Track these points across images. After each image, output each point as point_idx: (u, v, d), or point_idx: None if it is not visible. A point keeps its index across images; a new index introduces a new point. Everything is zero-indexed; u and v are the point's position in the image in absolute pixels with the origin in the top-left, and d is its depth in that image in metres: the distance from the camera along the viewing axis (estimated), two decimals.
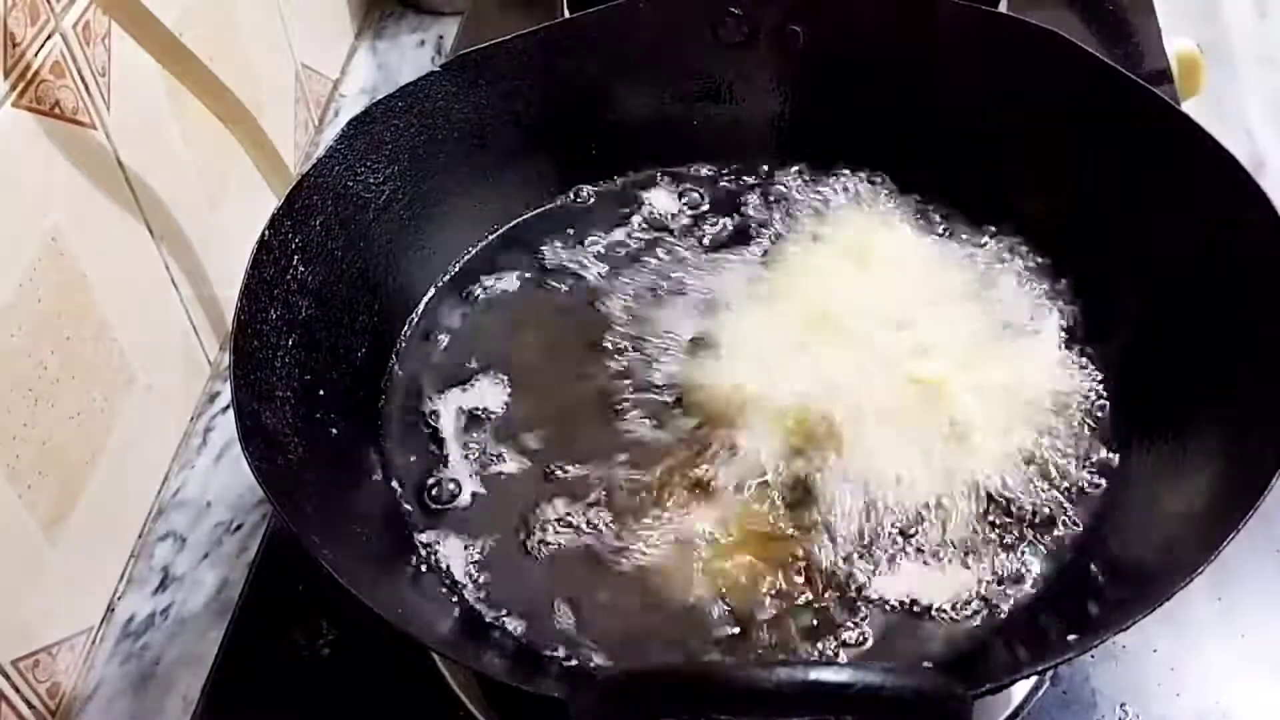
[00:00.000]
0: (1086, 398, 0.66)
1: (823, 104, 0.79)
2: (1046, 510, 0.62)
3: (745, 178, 0.80)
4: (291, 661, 0.68)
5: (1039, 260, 0.73)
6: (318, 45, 1.09)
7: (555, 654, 0.59)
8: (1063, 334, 0.69)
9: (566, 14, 0.95)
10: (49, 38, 0.69)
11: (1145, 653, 0.66)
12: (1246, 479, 0.53)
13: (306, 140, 1.05)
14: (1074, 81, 0.72)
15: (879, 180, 0.78)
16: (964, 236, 0.75)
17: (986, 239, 0.75)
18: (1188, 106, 0.94)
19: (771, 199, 0.78)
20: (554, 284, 0.75)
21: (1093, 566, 0.60)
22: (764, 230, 0.77)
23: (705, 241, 0.77)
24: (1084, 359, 0.68)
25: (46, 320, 0.69)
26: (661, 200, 0.79)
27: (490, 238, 0.78)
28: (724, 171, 0.80)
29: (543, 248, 0.77)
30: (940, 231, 0.76)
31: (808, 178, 0.79)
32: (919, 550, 0.61)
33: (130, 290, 0.77)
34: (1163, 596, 0.50)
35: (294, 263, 0.66)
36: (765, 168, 0.80)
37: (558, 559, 0.63)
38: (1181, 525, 0.57)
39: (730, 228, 0.77)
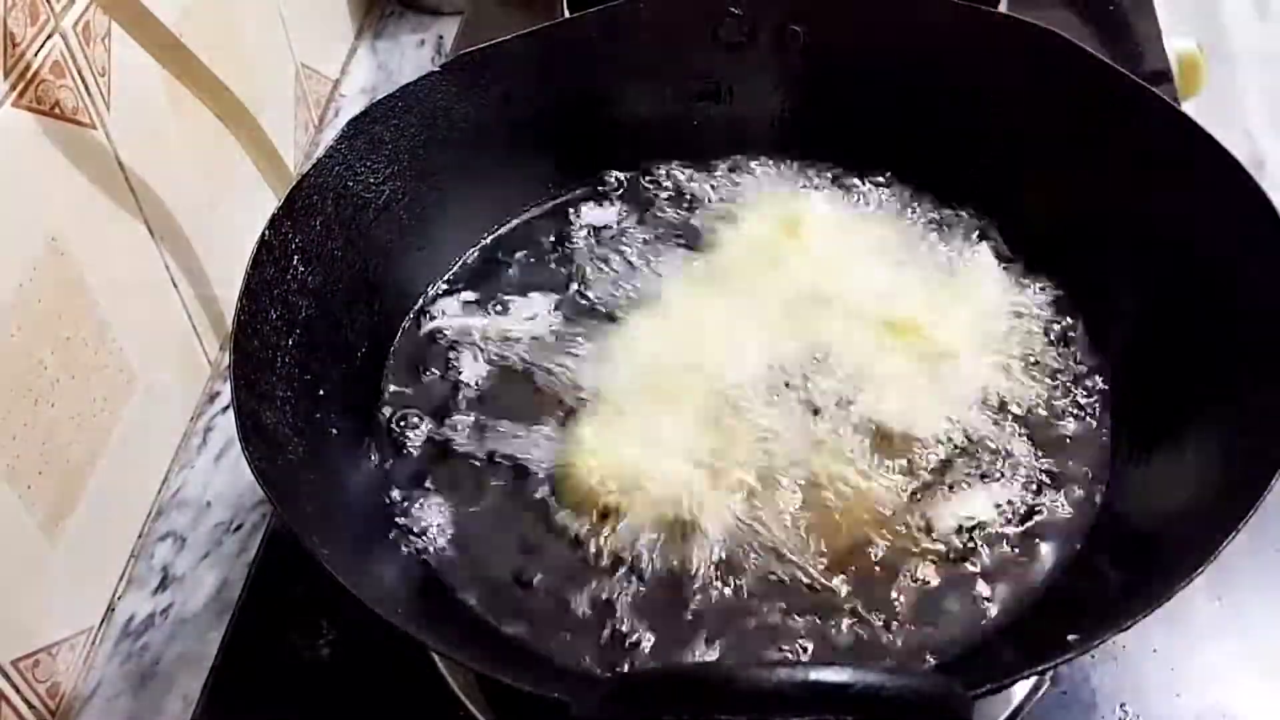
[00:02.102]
0: (1040, 304, 0.72)
1: (823, 104, 0.79)
2: (1054, 405, 0.67)
3: (741, 174, 0.80)
4: (291, 661, 0.68)
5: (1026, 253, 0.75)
6: (318, 45, 1.09)
7: (555, 654, 0.59)
8: (997, 257, 0.74)
9: (566, 14, 0.95)
10: (49, 38, 0.69)
11: (1145, 653, 0.66)
12: (1246, 479, 0.53)
13: (306, 140, 1.05)
14: (1074, 81, 0.72)
15: (878, 178, 0.79)
16: (932, 217, 0.77)
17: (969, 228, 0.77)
18: (1188, 106, 0.94)
19: (760, 193, 0.79)
20: (552, 279, 0.76)
21: (1092, 566, 0.60)
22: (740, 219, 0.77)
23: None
24: (1025, 274, 0.73)
25: (46, 320, 0.69)
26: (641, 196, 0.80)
27: (490, 237, 0.78)
28: (719, 170, 0.81)
29: (540, 245, 0.78)
30: (927, 225, 0.77)
31: (801, 174, 0.80)
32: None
33: (130, 290, 0.77)
34: (1163, 596, 0.50)
35: (294, 263, 0.66)
36: (760, 166, 0.80)
37: (559, 557, 0.63)
38: (1182, 525, 0.57)
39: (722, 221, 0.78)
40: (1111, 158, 0.71)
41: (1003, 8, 0.96)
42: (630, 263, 0.76)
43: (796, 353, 0.68)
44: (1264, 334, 0.60)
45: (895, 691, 0.44)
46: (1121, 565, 0.59)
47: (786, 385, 0.67)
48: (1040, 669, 0.57)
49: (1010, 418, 0.67)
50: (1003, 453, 0.65)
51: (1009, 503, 0.63)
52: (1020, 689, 0.64)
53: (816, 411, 0.66)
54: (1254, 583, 0.68)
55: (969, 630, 0.59)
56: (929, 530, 0.62)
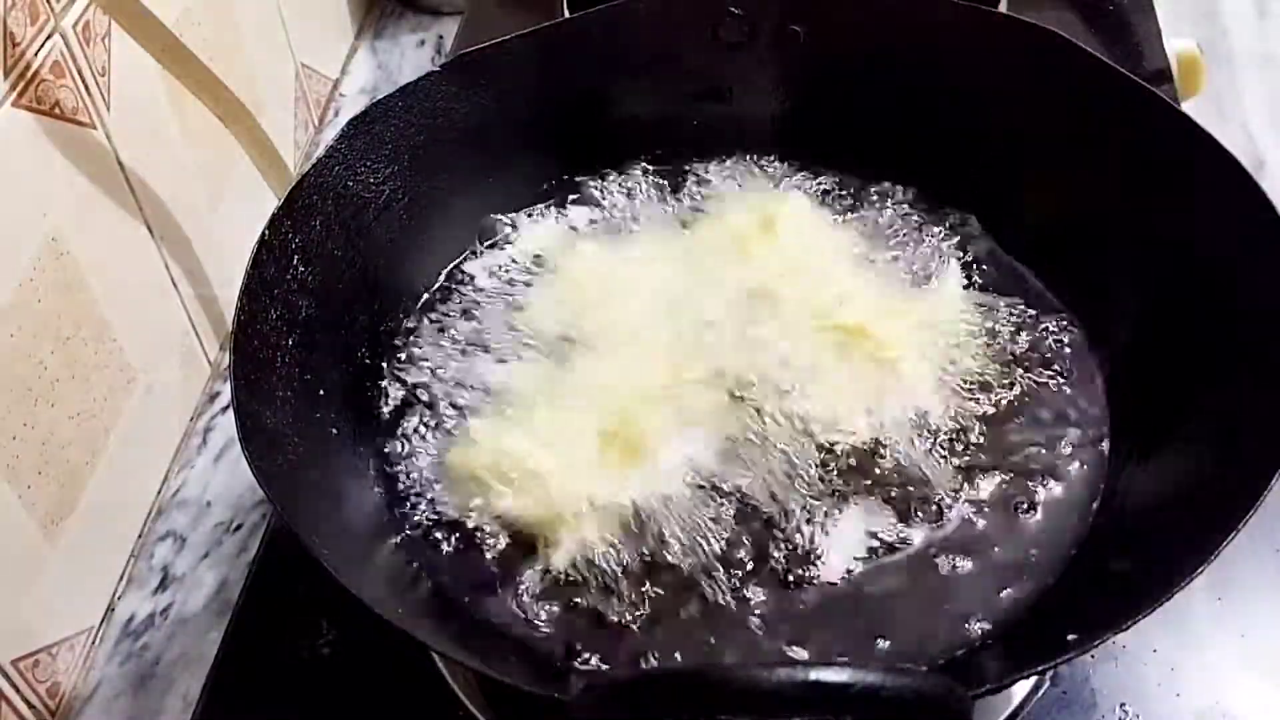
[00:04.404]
0: (995, 324, 0.71)
1: (822, 104, 0.79)
2: (1053, 404, 0.67)
3: (738, 173, 0.80)
4: (291, 661, 0.68)
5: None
6: (318, 45, 1.09)
7: (555, 654, 0.59)
8: (963, 277, 0.74)
9: (566, 14, 0.95)
10: (49, 38, 0.69)
11: (1145, 653, 0.66)
12: (1246, 479, 0.53)
13: (306, 140, 1.05)
14: (1074, 81, 0.72)
15: (876, 178, 0.79)
16: (920, 221, 0.77)
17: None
18: (1188, 106, 0.94)
19: (748, 190, 0.79)
20: (549, 278, 0.75)
21: (1092, 566, 0.60)
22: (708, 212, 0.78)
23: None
24: (987, 298, 0.72)
25: (46, 320, 0.69)
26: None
27: (489, 237, 0.78)
28: (718, 169, 0.81)
29: (538, 243, 0.77)
30: (911, 230, 0.77)
31: (797, 174, 0.80)
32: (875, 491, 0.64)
33: (130, 290, 0.77)
34: (1163, 596, 0.50)
35: (294, 263, 0.66)
36: (759, 165, 0.80)
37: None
38: (1182, 525, 0.57)
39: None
40: (1111, 158, 0.71)
41: (1003, 8, 0.96)
42: (612, 249, 0.76)
43: (733, 342, 0.69)
44: (1264, 334, 0.60)
45: (895, 691, 0.44)
46: (1121, 565, 0.59)
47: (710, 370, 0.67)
48: (1040, 669, 0.57)
49: (1007, 416, 0.66)
50: (1000, 452, 0.65)
51: (1007, 502, 0.63)
52: (1020, 689, 0.64)
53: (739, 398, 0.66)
54: (1254, 583, 0.68)
55: (968, 631, 0.59)
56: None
